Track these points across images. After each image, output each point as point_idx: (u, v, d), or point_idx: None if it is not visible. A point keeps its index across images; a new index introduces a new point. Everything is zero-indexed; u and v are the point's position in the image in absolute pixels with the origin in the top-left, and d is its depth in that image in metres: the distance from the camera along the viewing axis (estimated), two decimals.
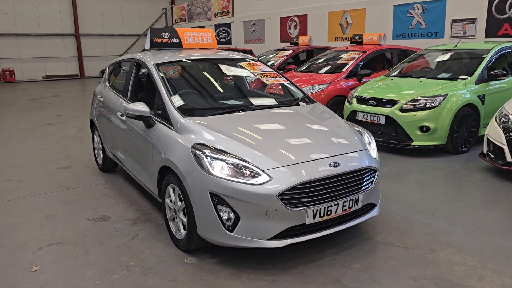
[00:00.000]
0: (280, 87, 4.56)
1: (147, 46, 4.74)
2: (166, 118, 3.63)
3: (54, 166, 5.93)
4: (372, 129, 6.33)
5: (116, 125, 4.59)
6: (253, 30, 17.19)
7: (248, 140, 3.22)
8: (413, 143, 5.94)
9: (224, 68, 4.58)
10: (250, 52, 15.17)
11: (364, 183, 3.29)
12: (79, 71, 22.63)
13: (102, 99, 5.20)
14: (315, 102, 4.26)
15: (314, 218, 3.03)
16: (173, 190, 3.36)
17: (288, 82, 4.47)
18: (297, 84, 8.08)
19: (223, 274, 3.06)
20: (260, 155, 3.06)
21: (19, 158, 6.38)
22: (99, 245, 3.53)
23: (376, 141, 6.20)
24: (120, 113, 4.43)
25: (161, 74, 4.00)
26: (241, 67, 4.50)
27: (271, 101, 4.29)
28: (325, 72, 8.57)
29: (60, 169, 5.78)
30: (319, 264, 3.16)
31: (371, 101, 6.39)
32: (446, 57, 7.16)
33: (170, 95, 3.75)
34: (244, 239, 2.96)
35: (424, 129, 5.86)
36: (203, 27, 20.78)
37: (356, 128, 3.83)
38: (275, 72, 4.52)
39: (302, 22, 14.67)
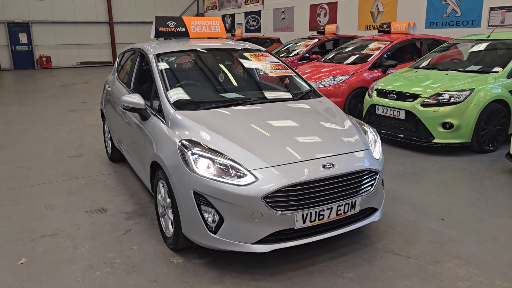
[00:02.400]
0: (285, 80, 4.33)
1: (152, 36, 4.63)
2: (160, 111, 3.51)
3: (67, 154, 5.97)
4: (392, 125, 6.02)
5: (119, 116, 4.52)
6: (282, 18, 16.83)
7: (238, 137, 3.04)
8: (434, 141, 5.57)
9: (228, 59, 4.40)
10: (278, 40, 14.92)
11: (363, 186, 3.05)
12: (112, 58, 23.01)
13: (109, 88, 5.15)
14: (321, 96, 4.01)
15: (304, 222, 2.83)
16: (163, 186, 3.24)
17: (295, 74, 4.23)
18: (318, 75, 7.94)
19: (207, 276, 2.92)
20: (248, 154, 2.88)
21: (36, 145, 6.48)
22: (90, 239, 3.48)
23: (396, 137, 5.92)
24: None
25: (161, 65, 3.87)
26: (246, 58, 4.30)
27: (273, 94, 4.07)
28: (349, 63, 8.22)
29: (71, 157, 5.81)
30: (310, 271, 2.96)
31: (391, 95, 6.04)
32: (477, 48, 6.66)
33: (166, 86, 3.61)
34: (227, 242, 2.81)
35: (447, 126, 5.48)
36: (233, 14, 20.62)
37: (362, 127, 3.56)
38: (282, 63, 4.30)
39: (332, 9, 14.19)
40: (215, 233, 2.82)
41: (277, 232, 2.81)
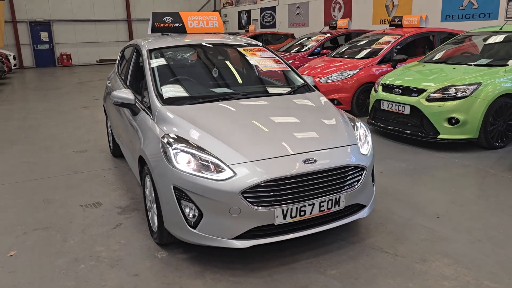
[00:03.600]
0: (280, 74, 4.27)
1: (149, 31, 4.65)
2: (149, 106, 3.51)
3: (72, 149, 6.08)
4: (398, 120, 5.89)
5: (116, 111, 4.56)
6: (297, 13, 16.69)
7: (221, 132, 3.02)
8: (439, 136, 5.41)
9: (221, 54, 4.37)
10: (292, 36, 14.81)
11: (348, 182, 2.98)
12: None
13: (109, 84, 5.20)
14: (314, 90, 3.94)
15: (285, 218, 2.79)
16: (149, 181, 3.25)
17: (289, 69, 4.18)
18: (326, 70, 7.83)
19: (188, 271, 2.91)
20: (228, 148, 2.85)
21: (44, 140, 6.62)
22: (80, 232, 3.52)
23: (403, 133, 5.77)
24: None
25: (152, 60, 3.89)
26: (240, 52, 4.26)
27: (263, 89, 4.03)
28: (358, 58, 8.09)
29: (76, 152, 5.91)
30: (292, 268, 2.92)
31: (396, 89, 5.90)
32: (489, 41, 6.44)
33: (155, 81, 3.62)
34: (207, 237, 2.80)
35: (452, 121, 5.32)
36: (249, 10, 20.57)
37: (354, 122, 3.48)
38: (277, 58, 4.24)
39: (347, 4, 13.98)
40: (194, 228, 2.81)
41: (256, 227, 2.78)
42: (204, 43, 4.30)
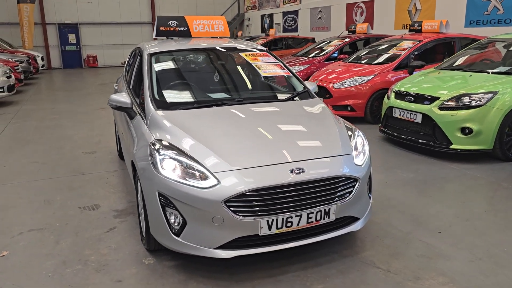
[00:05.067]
0: (281, 80, 4.19)
1: (154, 35, 4.66)
2: (144, 110, 3.50)
3: (82, 150, 6.15)
4: (410, 129, 5.70)
5: (119, 114, 4.58)
6: (319, 18, 16.54)
7: (210, 138, 2.97)
8: (452, 146, 5.20)
9: (222, 59, 4.33)
10: (312, 40, 14.70)
11: (338, 194, 2.87)
12: None
13: (116, 87, 5.24)
14: (315, 97, 3.84)
15: (270, 229, 2.70)
16: (140, 186, 3.23)
17: (291, 75, 4.09)
18: (342, 75, 7.68)
19: (172, 280, 2.87)
20: (214, 156, 2.79)
21: (57, 141, 6.73)
22: (73, 235, 3.53)
23: (417, 143, 5.56)
24: None
25: (153, 64, 3.88)
26: (242, 57, 4.21)
27: (262, 95, 3.95)
28: (374, 63, 7.91)
29: (85, 153, 5.98)
30: (278, 280, 2.83)
31: (409, 97, 5.72)
32: (510, 47, 6.17)
33: (151, 85, 3.61)
34: (189, 246, 2.74)
35: (466, 131, 5.10)
36: (272, 14, 20.54)
37: (353, 131, 3.36)
38: (279, 63, 4.17)
39: (369, 8, 13.75)
40: (178, 235, 2.77)
41: (241, 238, 2.70)
42: (206, 48, 4.27)
